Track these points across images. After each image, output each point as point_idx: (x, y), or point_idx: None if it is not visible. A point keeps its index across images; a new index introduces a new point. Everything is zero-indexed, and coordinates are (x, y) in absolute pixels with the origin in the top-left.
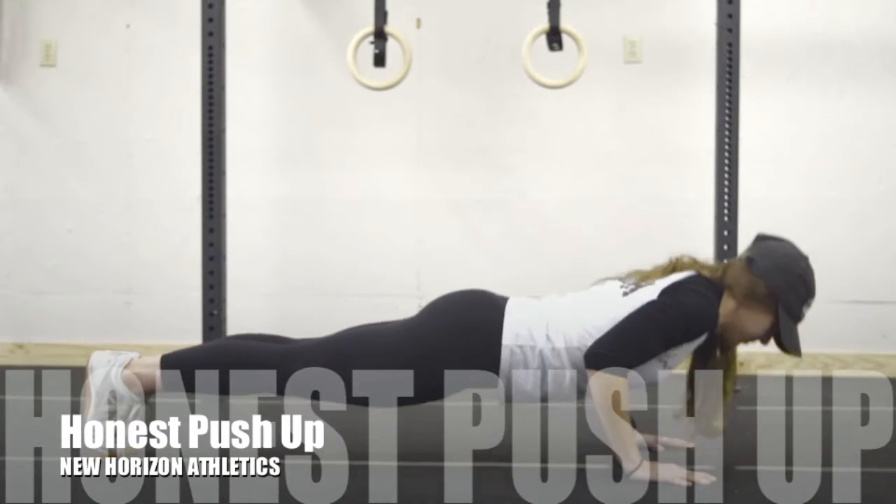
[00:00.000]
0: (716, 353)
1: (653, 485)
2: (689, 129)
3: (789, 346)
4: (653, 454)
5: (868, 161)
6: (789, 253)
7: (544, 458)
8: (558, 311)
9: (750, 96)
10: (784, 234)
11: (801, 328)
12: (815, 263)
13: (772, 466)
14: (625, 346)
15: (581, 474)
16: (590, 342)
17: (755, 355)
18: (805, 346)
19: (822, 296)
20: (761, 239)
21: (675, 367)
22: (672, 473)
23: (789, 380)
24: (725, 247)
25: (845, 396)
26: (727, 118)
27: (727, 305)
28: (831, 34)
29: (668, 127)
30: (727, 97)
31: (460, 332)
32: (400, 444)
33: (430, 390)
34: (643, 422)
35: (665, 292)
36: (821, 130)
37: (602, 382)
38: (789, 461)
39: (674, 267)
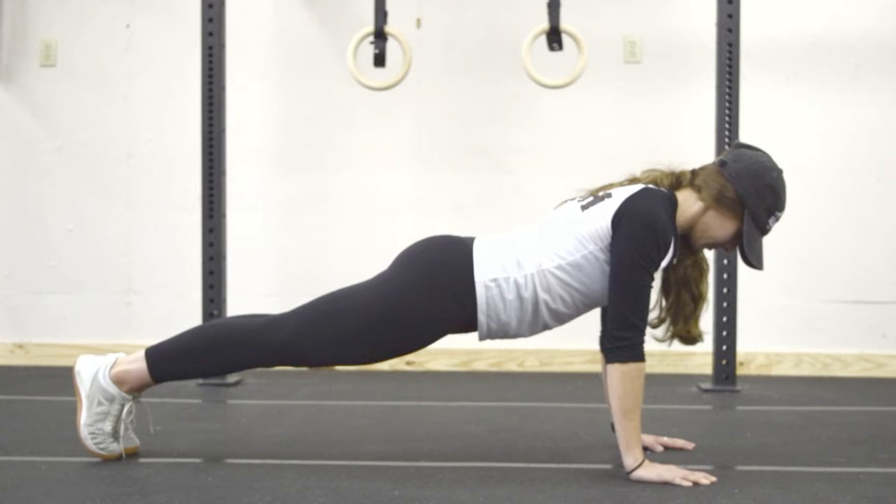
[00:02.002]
0: (684, 258)
1: (653, 485)
2: (689, 130)
3: (752, 256)
4: (653, 454)
5: (868, 161)
6: (763, 162)
7: (544, 459)
8: (524, 239)
9: (750, 96)
10: (784, 233)
11: (802, 327)
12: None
13: (772, 466)
14: (633, 327)
15: (581, 474)
16: (559, 262)
17: (755, 355)
18: (805, 347)
19: (823, 296)
20: (739, 146)
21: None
22: (672, 473)
23: (789, 380)
24: None
25: (845, 396)
26: (727, 118)
27: (693, 208)
28: (831, 34)
29: (668, 127)
30: (727, 97)
31: (433, 278)
32: (400, 444)
33: (413, 340)
34: (643, 422)
35: (619, 220)
36: (820, 130)
37: (625, 376)
38: (789, 461)
39: (634, 179)
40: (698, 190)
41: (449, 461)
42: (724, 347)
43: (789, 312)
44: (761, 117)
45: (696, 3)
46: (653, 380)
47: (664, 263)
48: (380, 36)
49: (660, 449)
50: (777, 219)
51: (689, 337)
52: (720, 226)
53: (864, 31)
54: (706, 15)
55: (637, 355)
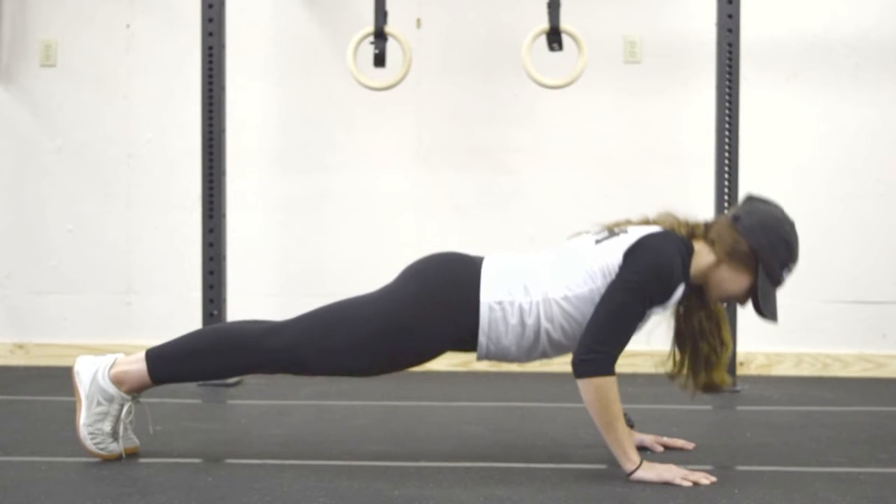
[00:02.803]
0: (697, 310)
1: (653, 485)
2: (689, 130)
3: (766, 310)
4: (653, 454)
5: (867, 161)
6: (776, 215)
7: (544, 459)
8: (534, 265)
9: (750, 96)
10: None
11: (802, 327)
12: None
13: (772, 466)
14: (607, 344)
15: (581, 474)
16: (565, 293)
17: (755, 355)
18: (805, 347)
19: (823, 296)
20: (750, 199)
21: (646, 322)
22: (672, 473)
23: (789, 380)
24: None
25: (845, 396)
26: (727, 118)
27: (706, 260)
28: (831, 34)
29: (668, 127)
30: (727, 97)
31: (438, 294)
32: (400, 444)
33: (413, 355)
34: (643, 422)
35: (630, 253)
36: (820, 130)
37: (592, 389)
38: (789, 461)
39: (649, 221)
40: (711, 243)
41: (449, 461)
42: None
43: (789, 312)
44: (761, 117)
45: (696, 3)
46: (653, 380)
47: (661, 308)
48: (380, 36)
49: (660, 449)
50: (790, 271)
51: (714, 386)
52: (733, 280)
53: (864, 31)
54: (706, 15)
55: (609, 370)
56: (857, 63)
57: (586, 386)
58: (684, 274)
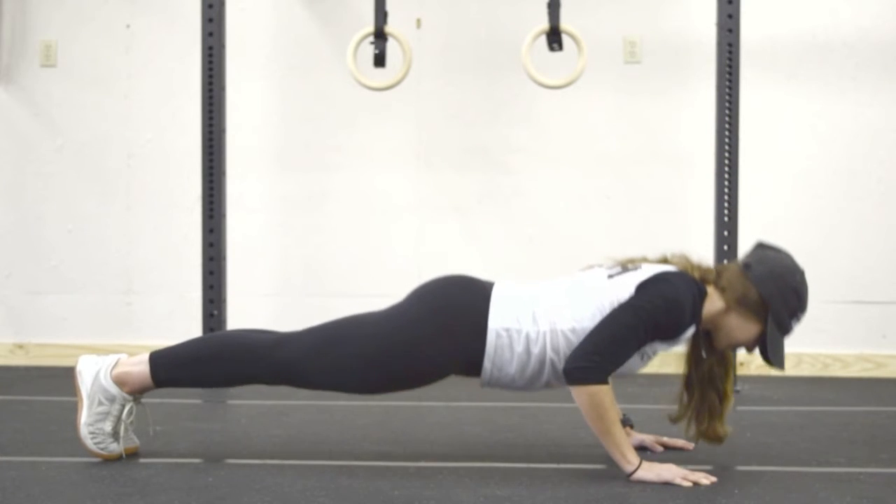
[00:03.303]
0: (705, 355)
1: (653, 485)
2: (689, 130)
3: (773, 358)
4: (653, 454)
5: (868, 161)
6: (786, 264)
7: (544, 459)
8: (544, 295)
9: (750, 96)
10: (784, 233)
11: (802, 327)
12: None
13: (772, 466)
14: (602, 356)
15: (581, 474)
16: (573, 325)
17: (755, 355)
18: (805, 347)
19: (823, 296)
20: (761, 247)
21: (653, 357)
22: (672, 473)
23: (789, 380)
24: (725, 247)
25: (845, 396)
26: (727, 118)
27: (716, 306)
28: (831, 34)
29: (668, 127)
30: (727, 97)
31: (447, 317)
32: (400, 444)
33: (417, 377)
34: (643, 422)
35: (644, 285)
36: (821, 130)
37: (586, 397)
38: (789, 461)
39: (665, 260)
40: (722, 290)
41: (449, 461)
42: None
43: None
44: (761, 117)
45: (696, 3)
46: (653, 380)
47: (667, 344)
48: (380, 36)
49: (660, 449)
50: (799, 320)
51: (716, 436)
52: (742, 328)
53: (864, 31)
54: (706, 15)
55: (601, 379)
56: (857, 63)
57: (579, 393)
58: (696, 315)
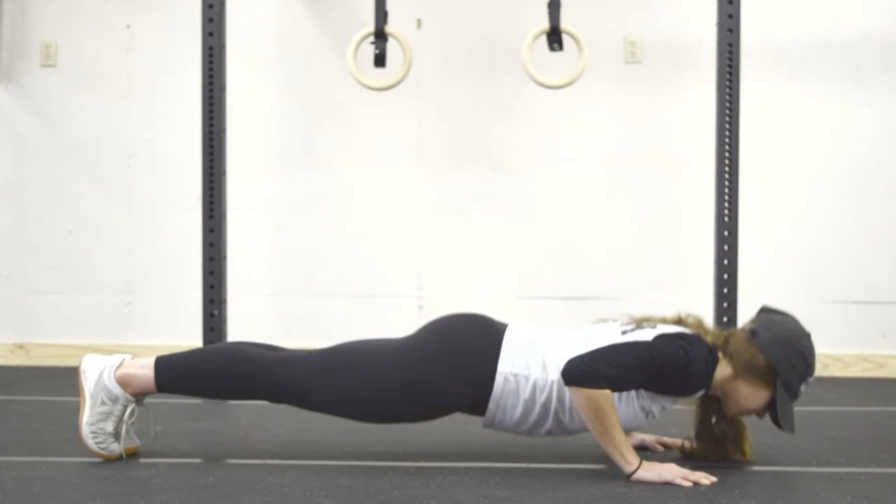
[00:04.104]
0: (714, 420)
1: (653, 485)
2: (689, 130)
3: (784, 422)
4: (653, 454)
5: (868, 161)
6: (792, 329)
7: (544, 459)
8: (555, 343)
9: (750, 96)
10: (784, 233)
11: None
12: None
13: (772, 466)
14: (601, 366)
15: (581, 474)
16: None
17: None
18: None
19: (823, 296)
20: (765, 311)
21: (657, 415)
22: (672, 473)
23: None
24: (726, 247)
25: (845, 396)
26: (727, 118)
27: (724, 373)
28: (831, 34)
29: (668, 127)
30: (727, 97)
31: (457, 356)
32: (400, 444)
33: (419, 411)
34: None
35: (661, 337)
36: (821, 130)
37: (584, 401)
38: (789, 461)
39: (679, 320)
40: (729, 357)
41: (449, 461)
42: None
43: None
44: (761, 117)
45: (697, 3)
46: None
47: (671, 399)
48: (380, 36)
49: (660, 449)
50: (808, 384)
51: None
52: (751, 394)
53: (864, 31)
54: (706, 15)
55: (598, 384)
56: (858, 63)
57: (577, 396)
58: (707, 378)
